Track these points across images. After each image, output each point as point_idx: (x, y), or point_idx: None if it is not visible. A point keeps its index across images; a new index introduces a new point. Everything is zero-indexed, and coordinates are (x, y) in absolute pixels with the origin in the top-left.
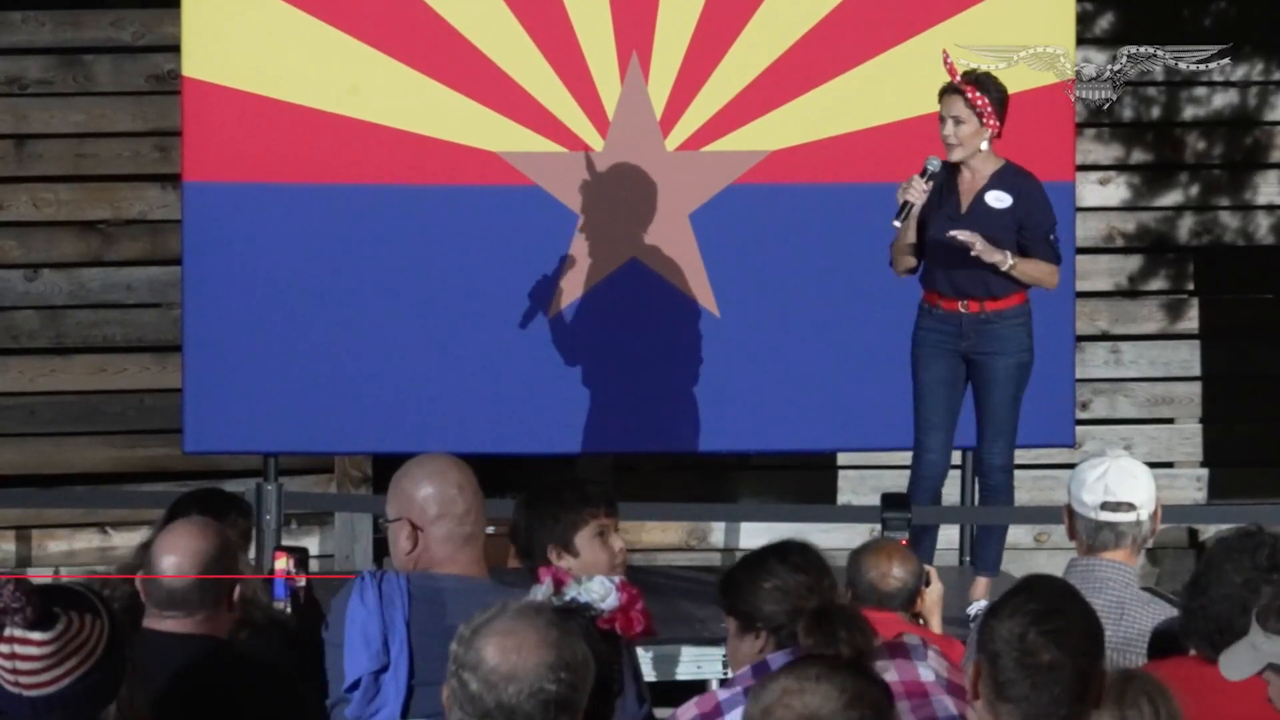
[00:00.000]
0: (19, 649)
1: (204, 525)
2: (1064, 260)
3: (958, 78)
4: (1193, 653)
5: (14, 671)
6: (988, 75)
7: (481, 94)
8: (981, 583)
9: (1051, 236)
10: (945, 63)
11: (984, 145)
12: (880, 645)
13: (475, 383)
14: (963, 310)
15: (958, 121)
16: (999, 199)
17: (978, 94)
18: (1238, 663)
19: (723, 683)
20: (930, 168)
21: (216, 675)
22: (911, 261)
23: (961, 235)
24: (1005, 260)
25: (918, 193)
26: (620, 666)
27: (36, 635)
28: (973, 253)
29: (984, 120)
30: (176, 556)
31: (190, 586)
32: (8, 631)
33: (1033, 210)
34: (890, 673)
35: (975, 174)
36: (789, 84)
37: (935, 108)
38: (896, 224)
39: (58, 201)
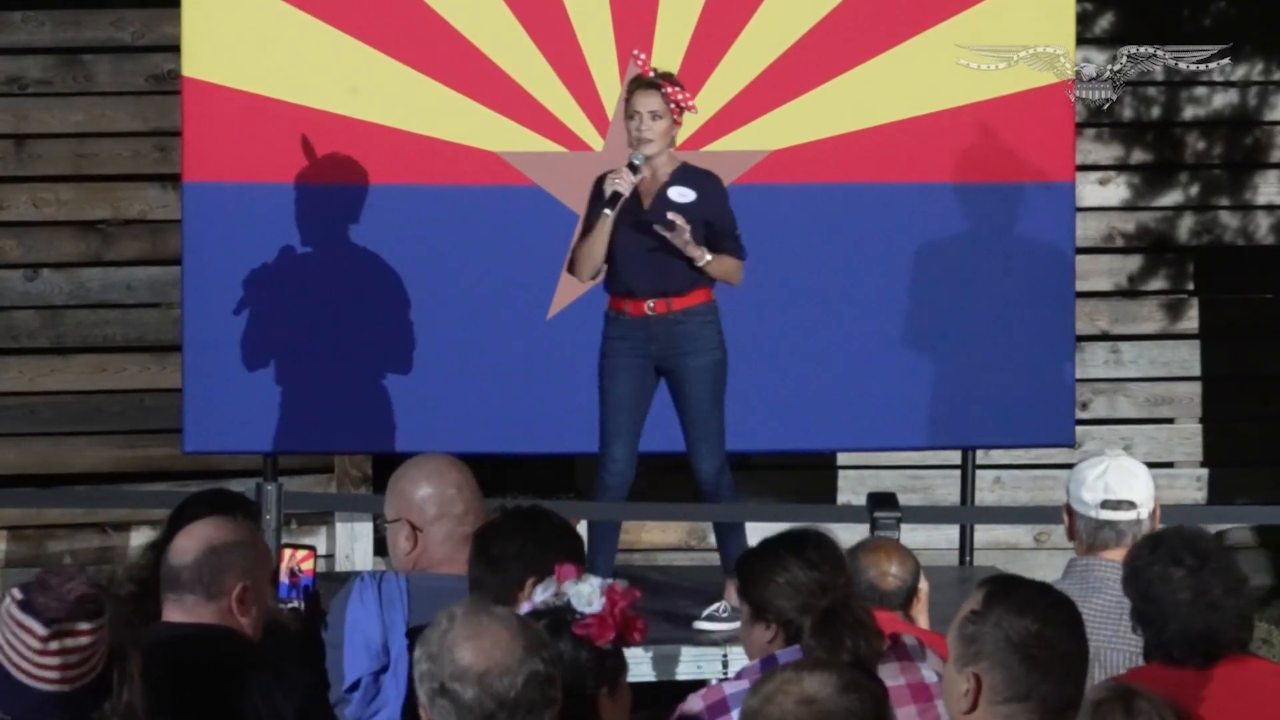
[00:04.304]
0: (69, 642)
1: (232, 520)
2: (1065, 260)
3: (650, 73)
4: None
5: (63, 666)
6: (671, 75)
7: (481, 94)
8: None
9: (736, 232)
10: (636, 60)
11: (672, 144)
12: (885, 648)
13: (475, 383)
14: (650, 312)
15: (654, 116)
16: (682, 194)
17: (674, 89)
18: None
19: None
20: (636, 162)
21: (226, 664)
22: (600, 261)
23: (677, 221)
24: (702, 255)
25: (626, 184)
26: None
27: (84, 625)
28: (671, 235)
29: (676, 118)
30: (193, 540)
31: (196, 564)
32: (65, 625)
33: (719, 207)
34: (896, 675)
35: (656, 173)
36: (789, 84)
37: (936, 107)
38: (607, 212)
39: (58, 201)
